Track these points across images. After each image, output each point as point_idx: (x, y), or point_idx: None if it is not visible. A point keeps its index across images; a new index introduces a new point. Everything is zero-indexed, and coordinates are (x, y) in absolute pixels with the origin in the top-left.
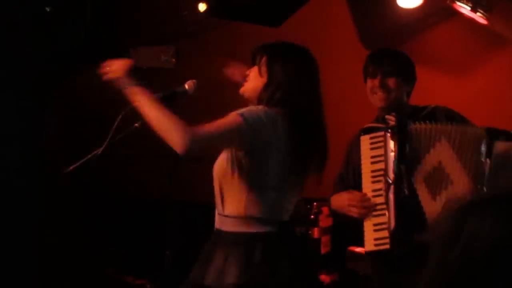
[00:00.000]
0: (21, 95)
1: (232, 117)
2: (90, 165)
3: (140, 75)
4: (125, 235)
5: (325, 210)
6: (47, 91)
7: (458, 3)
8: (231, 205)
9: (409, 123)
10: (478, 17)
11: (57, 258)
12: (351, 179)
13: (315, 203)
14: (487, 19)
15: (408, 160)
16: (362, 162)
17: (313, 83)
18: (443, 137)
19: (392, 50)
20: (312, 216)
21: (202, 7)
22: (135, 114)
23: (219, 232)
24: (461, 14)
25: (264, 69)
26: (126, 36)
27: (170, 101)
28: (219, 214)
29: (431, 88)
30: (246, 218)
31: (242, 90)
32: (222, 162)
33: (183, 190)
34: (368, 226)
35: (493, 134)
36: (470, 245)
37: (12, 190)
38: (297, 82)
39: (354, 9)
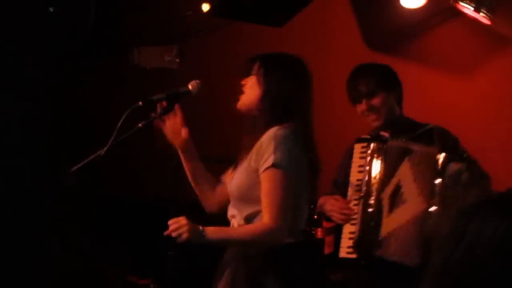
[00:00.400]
0: (23, 96)
1: (275, 177)
2: (94, 165)
3: (144, 75)
4: (129, 235)
5: None
6: (51, 92)
7: (461, 3)
8: (259, 219)
9: (387, 139)
10: (482, 17)
11: (61, 259)
12: (341, 186)
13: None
14: (490, 19)
15: (382, 175)
16: (351, 169)
17: (310, 95)
18: (407, 157)
19: (365, 68)
20: (315, 217)
21: (205, 7)
22: (138, 114)
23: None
24: (465, 14)
25: (263, 80)
26: (130, 36)
27: (174, 101)
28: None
29: (434, 88)
30: None
31: (239, 105)
32: (242, 185)
33: (187, 190)
34: (345, 233)
35: (448, 156)
36: (473, 246)
37: (17, 191)
38: (297, 94)
39: (357, 9)
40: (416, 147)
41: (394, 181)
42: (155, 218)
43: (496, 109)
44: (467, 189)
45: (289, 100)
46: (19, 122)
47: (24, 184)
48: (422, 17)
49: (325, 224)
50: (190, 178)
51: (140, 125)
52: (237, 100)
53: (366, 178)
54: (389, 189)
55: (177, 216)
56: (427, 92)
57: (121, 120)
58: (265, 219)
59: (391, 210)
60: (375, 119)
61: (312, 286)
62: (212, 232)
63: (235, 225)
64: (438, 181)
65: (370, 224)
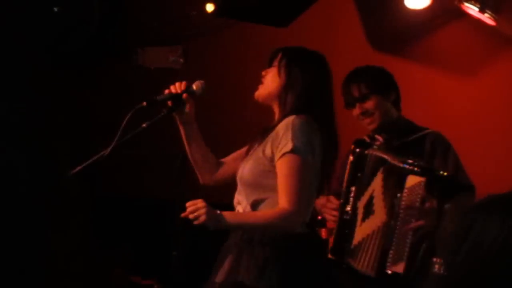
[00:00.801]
0: (27, 97)
1: (294, 162)
2: (98, 165)
3: (148, 75)
4: (133, 235)
5: None
6: (55, 92)
7: (466, 4)
8: (267, 205)
9: (368, 146)
10: (486, 18)
11: (64, 259)
12: (338, 186)
13: None
14: (495, 20)
15: (359, 183)
16: (346, 171)
17: (331, 90)
18: (382, 168)
19: (358, 72)
20: (319, 217)
21: (210, 7)
22: (142, 114)
23: (248, 234)
24: (469, 15)
25: (284, 71)
26: (134, 37)
27: (178, 101)
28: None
29: (438, 88)
30: None
31: (257, 94)
32: (254, 172)
33: (191, 190)
34: (335, 234)
35: (408, 169)
36: (477, 247)
37: (13, 191)
38: (317, 87)
39: (361, 10)
40: (390, 158)
41: (369, 190)
42: (158, 218)
43: (500, 110)
44: (435, 204)
45: (310, 93)
46: (17, 122)
47: (20, 183)
48: (426, 18)
49: (329, 224)
50: (188, 151)
51: (144, 125)
52: (256, 89)
53: (345, 184)
54: (364, 198)
55: (181, 216)
56: (431, 92)
57: (125, 120)
58: (282, 203)
59: (363, 219)
60: (369, 123)
61: (313, 275)
62: (229, 216)
63: (241, 211)
64: (398, 194)
65: (345, 231)
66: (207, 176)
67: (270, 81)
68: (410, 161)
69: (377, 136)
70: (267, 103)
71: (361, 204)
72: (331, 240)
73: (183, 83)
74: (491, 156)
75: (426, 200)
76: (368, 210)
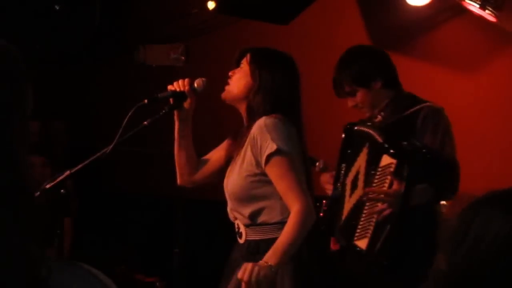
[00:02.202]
0: (28, 95)
1: (283, 162)
2: (100, 163)
3: (149, 73)
4: (135, 233)
5: None
6: (57, 89)
7: (467, 1)
8: (265, 214)
9: (357, 124)
10: (487, 14)
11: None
12: None
13: (324, 201)
14: (496, 16)
15: (348, 160)
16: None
17: (299, 91)
18: (367, 144)
19: (342, 64)
20: (321, 214)
21: (211, 5)
22: (144, 112)
23: (251, 242)
24: (470, 12)
25: (254, 73)
26: (136, 34)
27: (180, 99)
28: (246, 226)
29: (439, 85)
30: (282, 223)
31: (224, 95)
32: (242, 186)
33: (193, 188)
34: (325, 211)
35: (383, 148)
36: (477, 244)
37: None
38: (287, 88)
39: (363, 6)
40: (376, 134)
41: (356, 166)
42: (161, 216)
43: (502, 106)
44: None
45: (279, 94)
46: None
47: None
48: (427, 15)
49: None
50: (176, 148)
51: (145, 122)
52: (223, 90)
53: (337, 161)
54: (351, 174)
55: (183, 214)
56: (432, 89)
57: (127, 118)
58: (291, 205)
59: (350, 195)
60: (365, 112)
61: (320, 272)
62: (274, 256)
63: (241, 225)
64: (372, 172)
65: (334, 207)
66: (185, 177)
67: (239, 82)
68: (392, 138)
69: (377, 115)
70: (234, 104)
71: (349, 180)
72: (332, 237)
73: (186, 80)
74: (493, 152)
75: (393, 183)
76: (354, 185)
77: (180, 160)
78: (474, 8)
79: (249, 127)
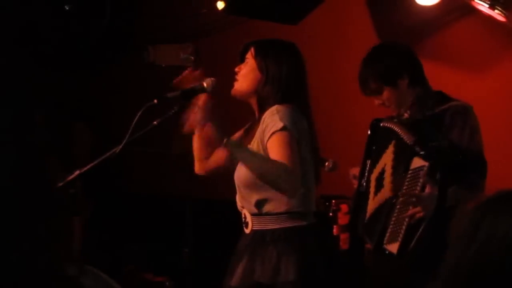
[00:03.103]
0: (37, 95)
1: (285, 137)
2: (109, 162)
3: (159, 73)
4: (145, 232)
5: (343, 207)
6: (66, 88)
7: (476, 1)
8: (271, 204)
9: (384, 120)
10: (497, 14)
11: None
12: None
13: (333, 201)
14: (505, 16)
15: (373, 156)
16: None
17: (306, 78)
18: (393, 142)
19: (364, 62)
20: (330, 214)
21: (220, 5)
22: (154, 112)
23: (257, 232)
24: (479, 12)
25: (261, 65)
26: (145, 34)
27: (189, 98)
28: (253, 215)
29: (448, 85)
30: (288, 214)
31: (234, 90)
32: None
33: (202, 188)
34: (351, 208)
35: (415, 150)
36: (485, 245)
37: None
38: (296, 76)
39: (372, 6)
40: (402, 132)
41: (381, 163)
42: (171, 215)
43: (511, 107)
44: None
45: (288, 83)
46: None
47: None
48: (436, 14)
49: (340, 221)
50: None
51: (155, 122)
52: (232, 86)
53: (363, 157)
54: (376, 171)
55: (193, 214)
56: (441, 89)
57: (136, 118)
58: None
59: (375, 193)
60: (392, 110)
61: (326, 265)
62: (240, 150)
63: (247, 215)
64: (403, 174)
65: (359, 204)
66: (200, 164)
67: (246, 77)
68: (421, 139)
69: (403, 113)
70: (245, 99)
71: (373, 176)
72: (342, 237)
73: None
74: (501, 152)
75: (426, 185)
76: (379, 183)
77: (195, 145)
78: (484, 8)
79: (261, 118)
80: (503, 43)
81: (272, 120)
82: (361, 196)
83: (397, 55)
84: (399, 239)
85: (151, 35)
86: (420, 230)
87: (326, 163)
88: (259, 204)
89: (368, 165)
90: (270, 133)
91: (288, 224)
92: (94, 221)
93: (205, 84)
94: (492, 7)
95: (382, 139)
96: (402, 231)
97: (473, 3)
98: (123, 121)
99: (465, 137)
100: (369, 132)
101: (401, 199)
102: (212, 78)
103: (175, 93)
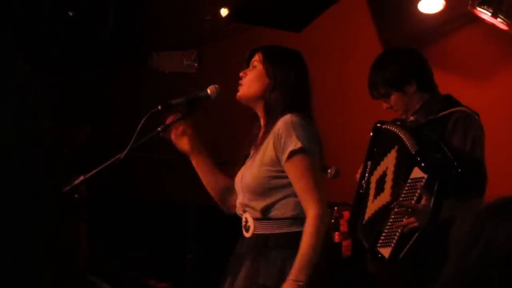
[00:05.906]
0: (42, 99)
1: (305, 161)
2: (113, 168)
3: (163, 79)
4: (148, 238)
5: (346, 214)
6: (71, 94)
7: (479, 9)
8: (278, 210)
9: (387, 123)
10: (499, 22)
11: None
12: None
13: (336, 208)
14: (508, 25)
15: (373, 158)
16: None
17: (310, 85)
18: (396, 146)
19: (374, 66)
20: (332, 221)
21: (224, 12)
22: (157, 118)
23: (259, 236)
24: (482, 20)
25: (268, 71)
26: (149, 41)
27: (193, 105)
28: (256, 219)
29: (451, 93)
30: (294, 219)
31: (239, 95)
32: (259, 179)
33: (205, 193)
34: (351, 208)
35: (415, 160)
36: (487, 250)
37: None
38: (301, 84)
39: (375, 14)
40: (405, 137)
41: (383, 166)
42: (174, 221)
43: None
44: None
45: (294, 90)
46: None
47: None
48: (439, 23)
49: (342, 228)
50: (203, 182)
51: (159, 129)
52: (237, 91)
53: (364, 159)
54: (377, 173)
55: (197, 220)
56: None
57: (140, 124)
58: (308, 208)
59: (375, 195)
60: (400, 114)
61: (327, 268)
62: (302, 273)
63: (249, 219)
64: (402, 182)
65: (359, 206)
66: (228, 204)
67: (254, 82)
68: (425, 148)
69: (409, 117)
70: (249, 104)
71: (374, 178)
72: (344, 243)
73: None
74: (503, 159)
75: (422, 197)
76: (380, 186)
77: (211, 191)
78: (486, 16)
79: (269, 124)
80: (505, 51)
81: (289, 134)
82: (361, 197)
83: (405, 61)
84: (392, 244)
85: (154, 42)
86: (413, 239)
87: (329, 170)
88: (266, 209)
89: (368, 167)
90: (289, 151)
91: (292, 229)
92: (98, 227)
93: (209, 91)
94: (494, 15)
95: (384, 142)
96: (395, 238)
97: (476, 12)
98: (127, 127)
99: (467, 145)
100: (371, 134)
101: (396, 209)
102: (216, 85)
103: (179, 100)
